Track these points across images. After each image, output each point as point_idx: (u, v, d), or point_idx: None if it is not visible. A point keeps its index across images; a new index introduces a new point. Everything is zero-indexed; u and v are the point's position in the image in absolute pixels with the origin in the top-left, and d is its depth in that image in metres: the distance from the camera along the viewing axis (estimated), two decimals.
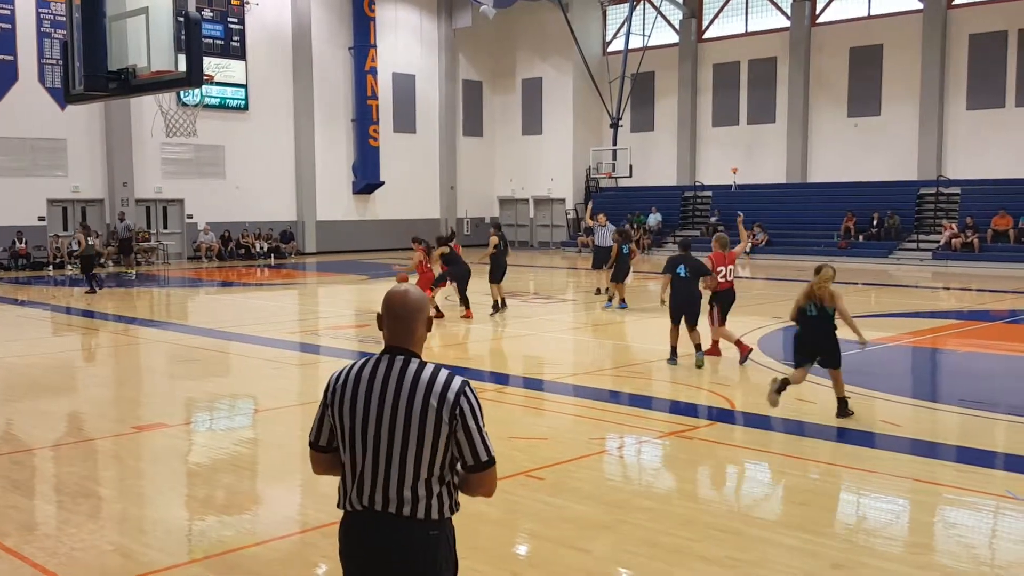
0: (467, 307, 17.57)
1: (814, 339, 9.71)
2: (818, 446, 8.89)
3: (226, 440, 9.28)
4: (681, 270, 12.52)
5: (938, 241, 32.35)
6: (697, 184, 40.77)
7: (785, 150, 38.34)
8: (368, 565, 3.30)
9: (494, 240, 18.43)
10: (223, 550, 6.31)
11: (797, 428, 9.59)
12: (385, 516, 3.27)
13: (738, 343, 12.81)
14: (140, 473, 8.48)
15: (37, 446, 9.14)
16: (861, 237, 33.89)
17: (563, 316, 18.95)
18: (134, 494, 7.74)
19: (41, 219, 31.91)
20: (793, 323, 10.01)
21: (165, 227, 35.42)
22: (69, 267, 30.85)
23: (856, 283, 25.39)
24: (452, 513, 3.35)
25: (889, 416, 10.03)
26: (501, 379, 11.95)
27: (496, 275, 18.18)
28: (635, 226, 39.19)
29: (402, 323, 3.38)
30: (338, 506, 3.42)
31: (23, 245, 30.94)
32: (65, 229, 32.55)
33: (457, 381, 3.30)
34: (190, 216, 35.64)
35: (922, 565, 5.99)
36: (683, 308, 12.52)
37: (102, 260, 30.69)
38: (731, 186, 39.13)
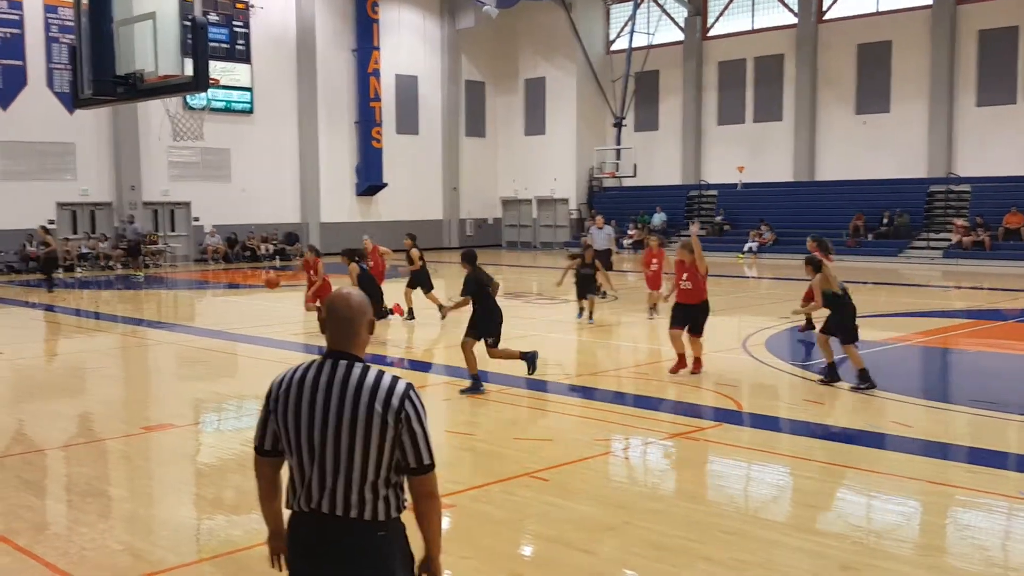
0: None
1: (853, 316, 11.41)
2: (826, 447, 8.87)
3: (234, 440, 9.30)
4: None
5: (948, 239, 32.25)
6: (702, 183, 40.70)
7: (792, 148, 38.26)
8: (319, 567, 3.34)
9: (416, 253, 17.55)
10: (232, 549, 6.36)
11: (805, 429, 9.59)
12: (333, 519, 3.30)
13: (681, 356, 12.22)
14: (149, 473, 8.54)
15: (48, 446, 9.18)
16: (870, 236, 33.80)
17: (566, 317, 18.92)
18: (143, 494, 7.80)
19: (51, 222, 31.96)
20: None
21: (172, 230, 35.52)
22: (79, 269, 31.02)
23: (866, 282, 25.32)
24: (399, 512, 3.38)
25: (900, 417, 10.01)
26: (505, 380, 11.95)
27: (426, 285, 17.74)
28: (639, 226, 39.20)
29: (345, 326, 3.40)
30: (286, 506, 3.47)
31: (33, 248, 31.01)
32: (75, 232, 32.67)
33: (401, 385, 3.32)
34: (196, 219, 35.73)
35: (933, 567, 5.97)
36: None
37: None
38: (737, 185, 39.07)
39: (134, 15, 10.13)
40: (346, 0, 39.17)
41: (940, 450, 8.77)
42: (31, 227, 31.02)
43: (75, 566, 6.03)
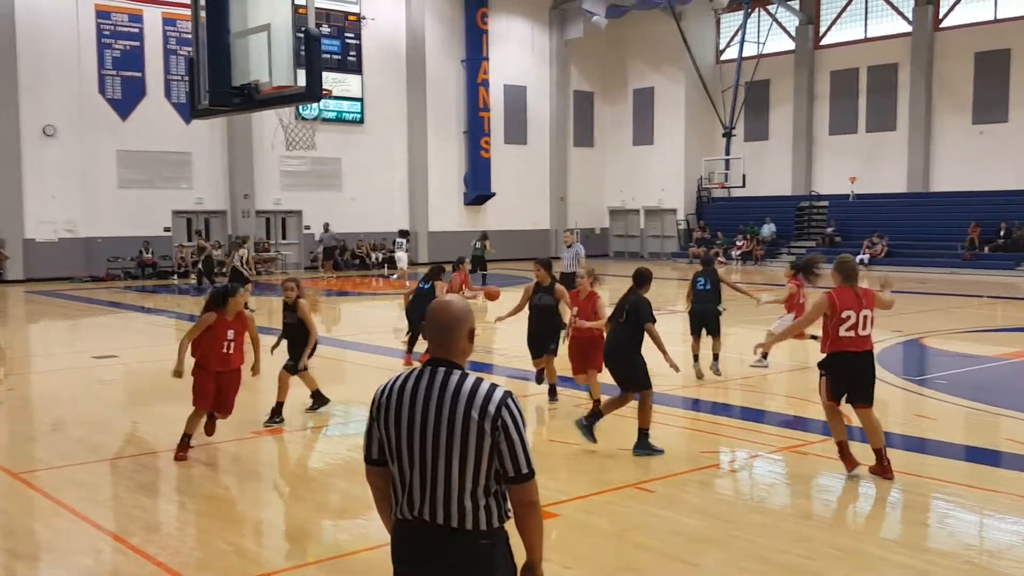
0: None
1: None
2: (940, 464, 8.59)
3: (341, 446, 9.46)
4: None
5: None
6: (813, 194, 39.89)
7: (906, 158, 37.19)
8: (422, 575, 3.34)
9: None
10: (338, 554, 6.46)
11: (918, 445, 9.31)
12: (435, 527, 3.30)
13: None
14: (258, 477, 8.71)
15: (161, 449, 9.44)
16: (987, 248, 32.63)
17: (674, 327, 18.74)
18: (252, 497, 7.97)
19: (167, 230, 33.17)
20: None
21: (284, 237, 36.45)
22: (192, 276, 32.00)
23: (981, 295, 24.50)
24: (502, 522, 3.35)
25: (1015, 434, 9.64)
26: (612, 390, 11.87)
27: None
28: (748, 236, 38.62)
29: (444, 334, 3.40)
30: (392, 515, 3.46)
31: (150, 255, 32.14)
32: (189, 240, 33.71)
33: (499, 392, 3.30)
34: (307, 227, 36.56)
35: None
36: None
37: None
38: (849, 196, 38.18)
39: (249, 27, 10.41)
40: (456, 11, 39.63)
41: None
42: (149, 234, 32.20)
43: (185, 566, 6.20)
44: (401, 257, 31.02)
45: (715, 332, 12.56)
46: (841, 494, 7.90)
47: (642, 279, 9.10)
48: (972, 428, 10.15)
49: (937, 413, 10.63)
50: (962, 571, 5.98)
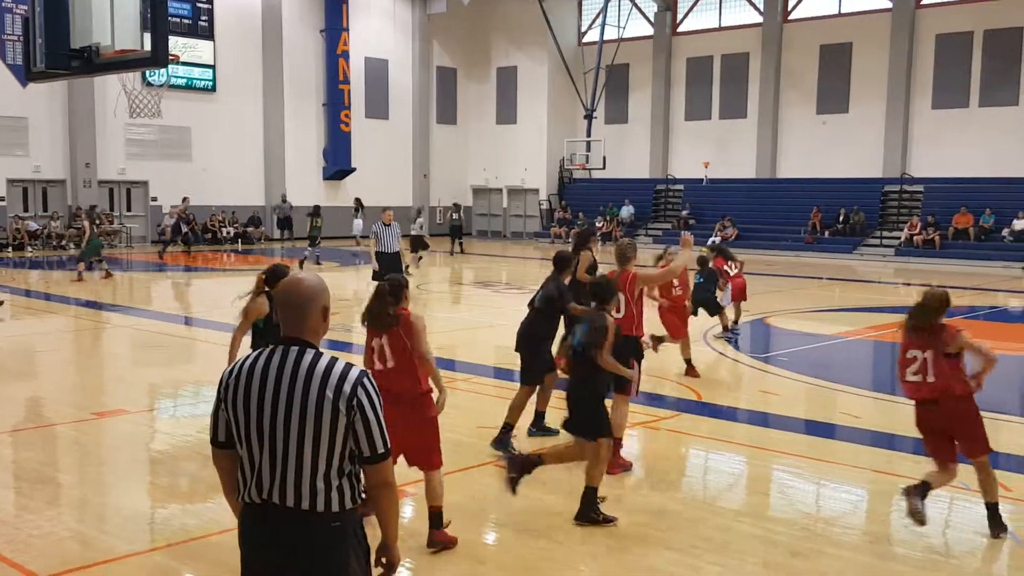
0: None
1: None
2: (781, 437, 8.96)
3: (190, 427, 9.16)
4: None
5: (900, 237, 32.69)
6: (669, 177, 40.87)
7: (755, 145, 38.51)
8: (271, 559, 3.26)
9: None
10: (186, 538, 6.25)
11: (761, 419, 9.70)
12: (284, 510, 3.22)
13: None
14: (100, 460, 8.38)
15: None
16: (827, 232, 34.17)
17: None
18: (94, 481, 7.65)
19: (0, 199, 31.34)
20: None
21: (128, 210, 34.90)
22: (30, 249, 30.45)
23: (821, 277, 25.65)
24: (355, 503, 3.30)
25: (849, 408, 10.14)
26: (471, 369, 11.91)
27: None
28: (608, 218, 39.25)
29: (295, 312, 3.31)
30: (238, 499, 3.36)
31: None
32: (26, 210, 31.98)
33: (354, 372, 3.24)
34: (154, 199, 35.12)
35: (879, 554, 6.08)
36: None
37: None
38: (702, 180, 39.29)
39: None
40: None
41: (887, 440, 8.93)
42: None
43: (20, 553, 5.89)
44: (357, 224, 31.06)
45: (715, 312, 13.61)
46: (689, 467, 8.15)
47: (562, 263, 8.72)
48: (811, 403, 10.62)
49: (779, 389, 11.06)
50: (799, 537, 6.26)
